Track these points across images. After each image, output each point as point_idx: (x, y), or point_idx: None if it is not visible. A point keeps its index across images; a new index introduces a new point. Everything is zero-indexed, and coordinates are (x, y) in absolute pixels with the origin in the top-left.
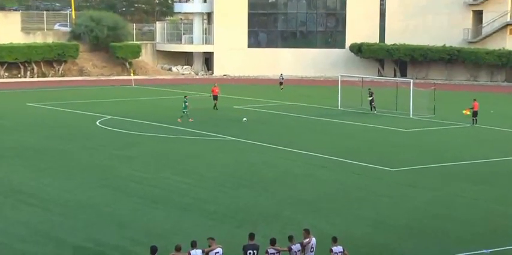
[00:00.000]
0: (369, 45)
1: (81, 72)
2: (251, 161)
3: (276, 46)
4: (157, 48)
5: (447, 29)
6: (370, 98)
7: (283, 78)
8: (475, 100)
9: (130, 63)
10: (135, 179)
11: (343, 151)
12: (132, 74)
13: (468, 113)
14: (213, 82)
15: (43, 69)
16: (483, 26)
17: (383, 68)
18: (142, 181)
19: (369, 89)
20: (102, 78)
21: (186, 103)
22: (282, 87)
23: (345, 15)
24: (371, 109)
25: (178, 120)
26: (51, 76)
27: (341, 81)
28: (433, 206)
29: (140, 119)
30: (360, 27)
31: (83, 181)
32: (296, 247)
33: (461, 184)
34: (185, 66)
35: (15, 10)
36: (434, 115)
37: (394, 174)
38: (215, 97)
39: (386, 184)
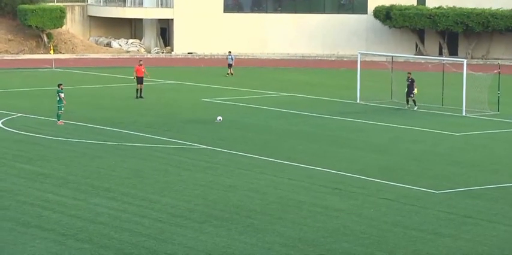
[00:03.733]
0: (402, 9)
1: None
2: (229, 181)
3: (266, 11)
4: (90, 13)
5: None
6: (408, 89)
7: (232, 58)
8: None
9: (49, 35)
10: (51, 207)
11: (365, 165)
12: (51, 52)
13: None
14: (139, 60)
15: None
16: None
17: (423, 43)
18: (62, 209)
19: (409, 74)
20: (7, 57)
21: (62, 95)
22: (230, 71)
23: None
24: (407, 103)
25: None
26: None
27: (361, 61)
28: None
29: (62, 118)
30: None
31: None
32: None
33: None
34: (131, 40)
35: None
36: (499, 113)
37: (439, 199)
38: (140, 80)
39: (429, 214)
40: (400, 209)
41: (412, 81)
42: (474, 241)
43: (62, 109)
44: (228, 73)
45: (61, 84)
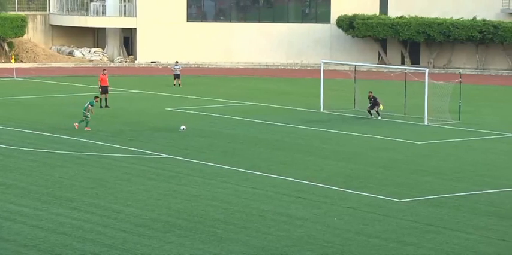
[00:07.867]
0: (364, 19)
1: None
2: (193, 190)
3: (230, 21)
4: (52, 22)
5: None
6: (371, 104)
7: (179, 68)
8: None
9: (10, 44)
10: (12, 217)
11: (329, 173)
12: (13, 61)
13: None
14: (103, 70)
15: None
16: None
17: (385, 52)
18: (23, 219)
19: (370, 92)
20: None
21: (90, 107)
22: (178, 82)
23: None
24: (370, 114)
25: (86, 128)
26: None
27: (324, 70)
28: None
29: (24, 127)
30: None
31: None
32: None
33: (490, 221)
34: (94, 49)
35: None
36: (460, 121)
37: (402, 207)
38: (105, 90)
39: (392, 222)
40: (363, 218)
41: (375, 99)
42: (436, 249)
43: (89, 116)
44: (175, 84)
45: (97, 97)
